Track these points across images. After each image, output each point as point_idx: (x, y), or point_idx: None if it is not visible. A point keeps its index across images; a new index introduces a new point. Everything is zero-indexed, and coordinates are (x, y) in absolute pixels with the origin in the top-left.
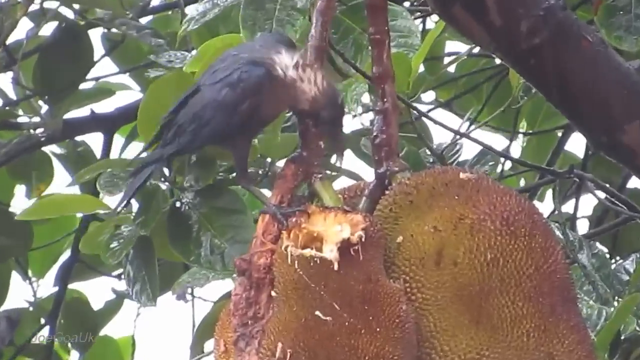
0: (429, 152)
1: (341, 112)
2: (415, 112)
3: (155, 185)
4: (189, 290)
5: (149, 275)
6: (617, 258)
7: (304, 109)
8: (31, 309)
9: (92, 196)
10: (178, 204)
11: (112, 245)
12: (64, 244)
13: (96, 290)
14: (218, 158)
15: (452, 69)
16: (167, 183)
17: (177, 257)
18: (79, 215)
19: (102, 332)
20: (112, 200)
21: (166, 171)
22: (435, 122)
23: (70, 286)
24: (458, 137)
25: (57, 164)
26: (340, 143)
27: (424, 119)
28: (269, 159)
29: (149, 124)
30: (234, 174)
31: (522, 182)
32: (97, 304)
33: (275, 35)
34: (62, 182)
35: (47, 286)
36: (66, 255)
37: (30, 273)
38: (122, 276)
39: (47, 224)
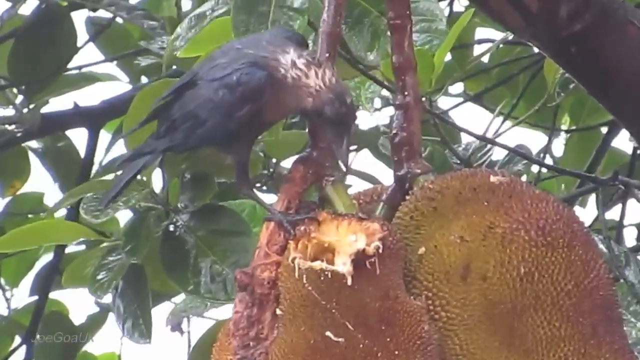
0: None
1: (349, 111)
2: (437, 115)
3: (145, 206)
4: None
5: (141, 310)
6: None
7: (306, 106)
8: (4, 322)
9: (77, 223)
10: (172, 228)
11: (99, 277)
12: (40, 249)
13: (77, 302)
14: (216, 174)
15: (484, 58)
16: (158, 204)
17: (173, 287)
18: (59, 214)
19: (83, 349)
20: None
21: (157, 189)
22: (460, 129)
23: (50, 295)
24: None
25: (34, 160)
26: (345, 149)
27: (450, 115)
28: (273, 159)
29: (135, 137)
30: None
31: (562, 185)
32: (78, 318)
33: (286, 31)
34: (39, 179)
35: (21, 296)
36: (42, 261)
37: (2, 282)
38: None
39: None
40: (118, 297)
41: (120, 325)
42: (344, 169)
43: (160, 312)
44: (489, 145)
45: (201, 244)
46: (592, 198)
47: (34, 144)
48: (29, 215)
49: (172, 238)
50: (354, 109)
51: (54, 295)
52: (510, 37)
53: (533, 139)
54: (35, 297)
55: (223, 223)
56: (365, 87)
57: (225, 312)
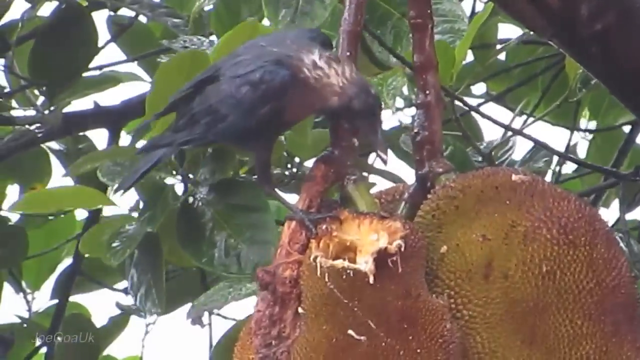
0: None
1: (376, 101)
2: (462, 105)
3: (164, 177)
4: (206, 313)
5: (154, 279)
6: None
7: (332, 105)
8: (25, 325)
9: (96, 190)
10: (190, 200)
11: (114, 245)
12: (62, 251)
13: (99, 305)
14: (237, 150)
15: (506, 58)
16: (178, 176)
17: (188, 262)
18: (80, 219)
19: (105, 352)
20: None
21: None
22: (483, 115)
23: (71, 299)
24: (509, 133)
25: (55, 161)
26: (381, 137)
27: (472, 114)
28: (297, 159)
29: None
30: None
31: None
32: (99, 320)
33: (311, 31)
34: (60, 182)
35: (43, 299)
36: (64, 264)
37: (24, 285)
38: (128, 290)
39: (44, 228)
40: (133, 267)
41: (133, 294)
42: (385, 158)
43: (181, 315)
44: (510, 143)
45: (218, 218)
46: (616, 200)
47: (55, 145)
48: (50, 217)
49: (189, 210)
50: (379, 98)
51: (75, 298)
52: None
53: (555, 139)
54: (57, 300)
55: (241, 198)
56: (387, 84)
57: (246, 307)
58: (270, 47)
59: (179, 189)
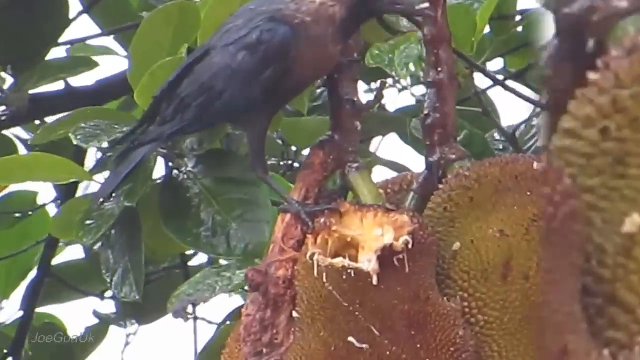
0: (496, 136)
1: None
2: (480, 81)
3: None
4: (190, 306)
5: (132, 261)
6: None
7: (334, 22)
8: None
9: (70, 161)
10: (175, 173)
11: (88, 222)
12: (35, 256)
13: (74, 315)
14: None
15: (523, 30)
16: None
17: (171, 248)
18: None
19: None
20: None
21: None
22: (507, 88)
23: (42, 309)
24: (533, 113)
25: (23, 151)
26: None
27: (488, 93)
28: (293, 148)
29: (142, 72)
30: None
31: None
32: (75, 331)
33: None
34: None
35: (13, 309)
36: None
37: None
38: (109, 290)
39: (15, 229)
40: (108, 248)
41: (109, 279)
42: (426, 9)
43: (164, 325)
44: (534, 130)
45: (205, 193)
46: None
47: (23, 134)
48: (17, 214)
49: (174, 184)
50: None
51: (48, 309)
52: None
53: None
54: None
55: (231, 171)
56: (399, 51)
57: (235, 301)
58: (259, 8)
59: (162, 160)
